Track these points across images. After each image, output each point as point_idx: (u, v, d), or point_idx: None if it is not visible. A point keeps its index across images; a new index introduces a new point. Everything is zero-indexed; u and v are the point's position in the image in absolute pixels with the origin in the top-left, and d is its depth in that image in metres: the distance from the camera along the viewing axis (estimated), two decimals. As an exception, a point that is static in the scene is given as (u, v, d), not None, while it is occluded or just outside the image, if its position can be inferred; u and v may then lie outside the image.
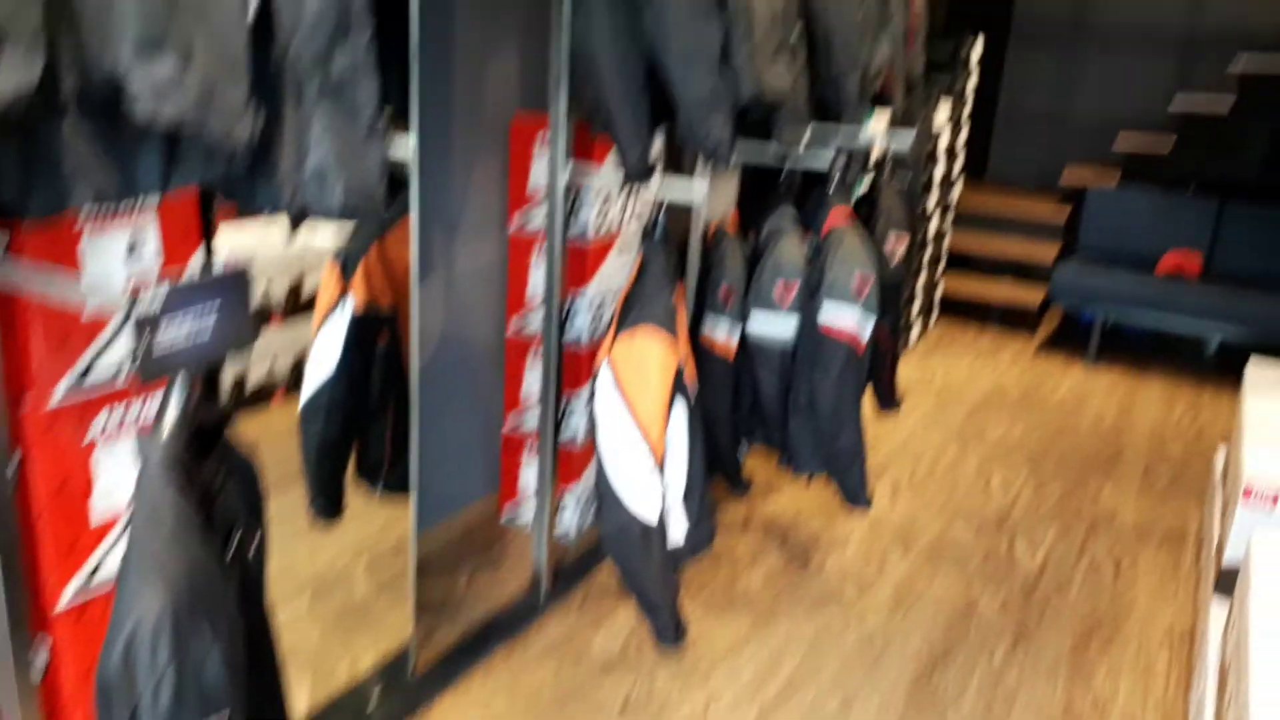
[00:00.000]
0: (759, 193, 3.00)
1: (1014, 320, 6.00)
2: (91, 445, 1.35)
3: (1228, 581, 2.28)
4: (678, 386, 2.08)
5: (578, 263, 2.67)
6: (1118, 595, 3.02)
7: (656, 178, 2.43)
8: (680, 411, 2.10)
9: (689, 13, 1.72)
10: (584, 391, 2.73)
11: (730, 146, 1.84)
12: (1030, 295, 5.78)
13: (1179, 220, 5.57)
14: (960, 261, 6.01)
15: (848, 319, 2.64)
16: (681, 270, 3.01)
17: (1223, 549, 2.29)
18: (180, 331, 0.96)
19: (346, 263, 2.30)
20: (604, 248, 2.74)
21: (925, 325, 5.70)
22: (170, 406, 1.01)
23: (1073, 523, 3.48)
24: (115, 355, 1.30)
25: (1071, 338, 5.79)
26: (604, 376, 2.00)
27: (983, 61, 5.57)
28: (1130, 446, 4.27)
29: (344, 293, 2.30)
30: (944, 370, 5.11)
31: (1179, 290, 5.17)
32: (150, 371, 0.95)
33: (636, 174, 1.91)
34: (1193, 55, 6.12)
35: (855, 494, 2.75)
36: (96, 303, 1.01)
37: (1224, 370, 5.39)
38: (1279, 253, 5.32)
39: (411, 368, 2.11)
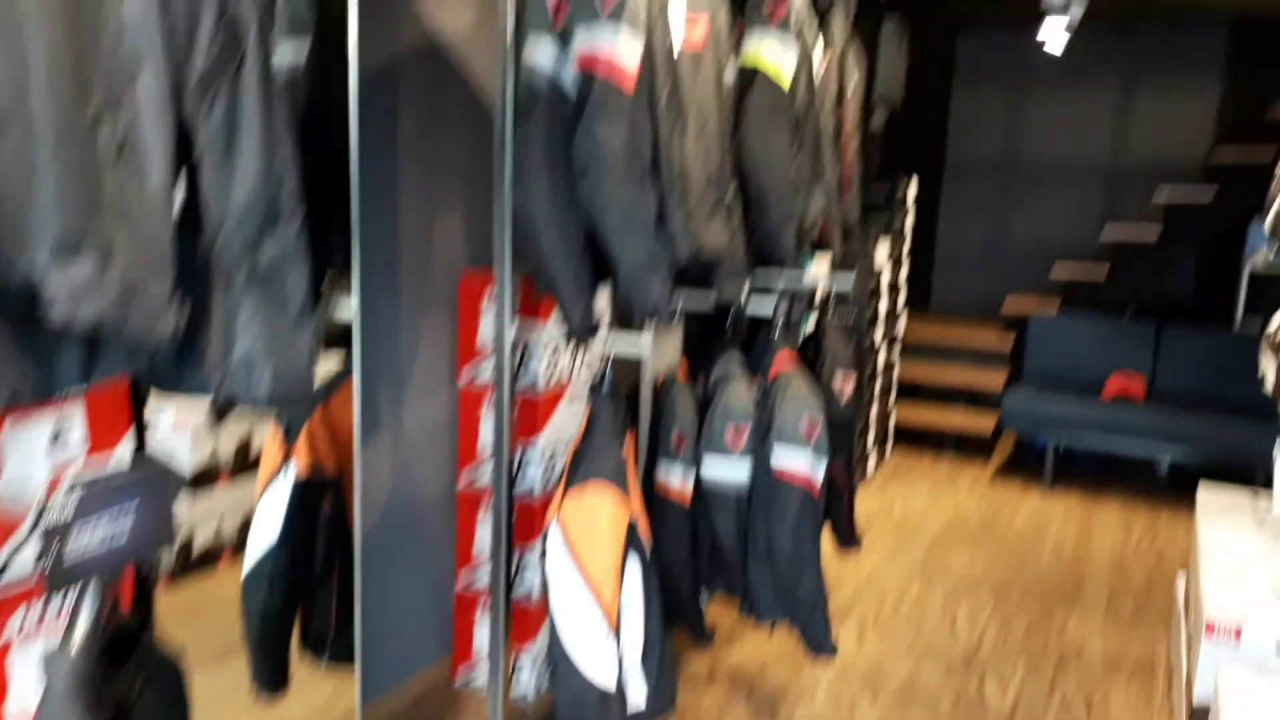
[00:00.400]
0: (706, 338, 3.02)
1: (968, 447, 6.05)
2: (6, 646, 1.27)
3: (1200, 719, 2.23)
4: (631, 543, 2.03)
5: (528, 414, 2.64)
6: (1092, 735, 2.94)
7: (603, 332, 2.43)
8: (635, 569, 2.05)
9: (623, 182, 1.75)
10: (538, 545, 2.66)
11: (668, 307, 1.86)
12: (982, 422, 5.84)
13: (1120, 344, 5.71)
14: (912, 391, 6.08)
15: (800, 463, 2.62)
16: (634, 419, 3.00)
17: (1191, 686, 2.25)
18: (94, 536, 0.91)
19: (290, 427, 2.25)
20: (555, 398, 2.72)
21: (882, 456, 5.72)
22: (81, 618, 0.96)
23: (1041, 658, 3.42)
24: (31, 551, 1.24)
25: (1026, 462, 5.83)
26: (554, 536, 1.95)
27: (920, 199, 5.78)
28: (1092, 574, 4.25)
29: (287, 458, 2.25)
30: (903, 501, 5.10)
31: (1125, 414, 5.26)
32: (59, 580, 0.89)
33: (580, 332, 1.91)
34: (1118, 187, 6.40)
35: (819, 642, 2.69)
36: (7, 505, 0.96)
37: (1177, 490, 5.44)
38: (1218, 373, 5.45)
39: (356, 534, 2.05)
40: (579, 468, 2.00)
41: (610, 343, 2.17)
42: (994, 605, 3.85)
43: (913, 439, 6.11)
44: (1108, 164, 6.47)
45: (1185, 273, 6.05)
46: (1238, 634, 2.12)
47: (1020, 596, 3.96)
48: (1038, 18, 5.26)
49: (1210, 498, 3.18)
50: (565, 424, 2.75)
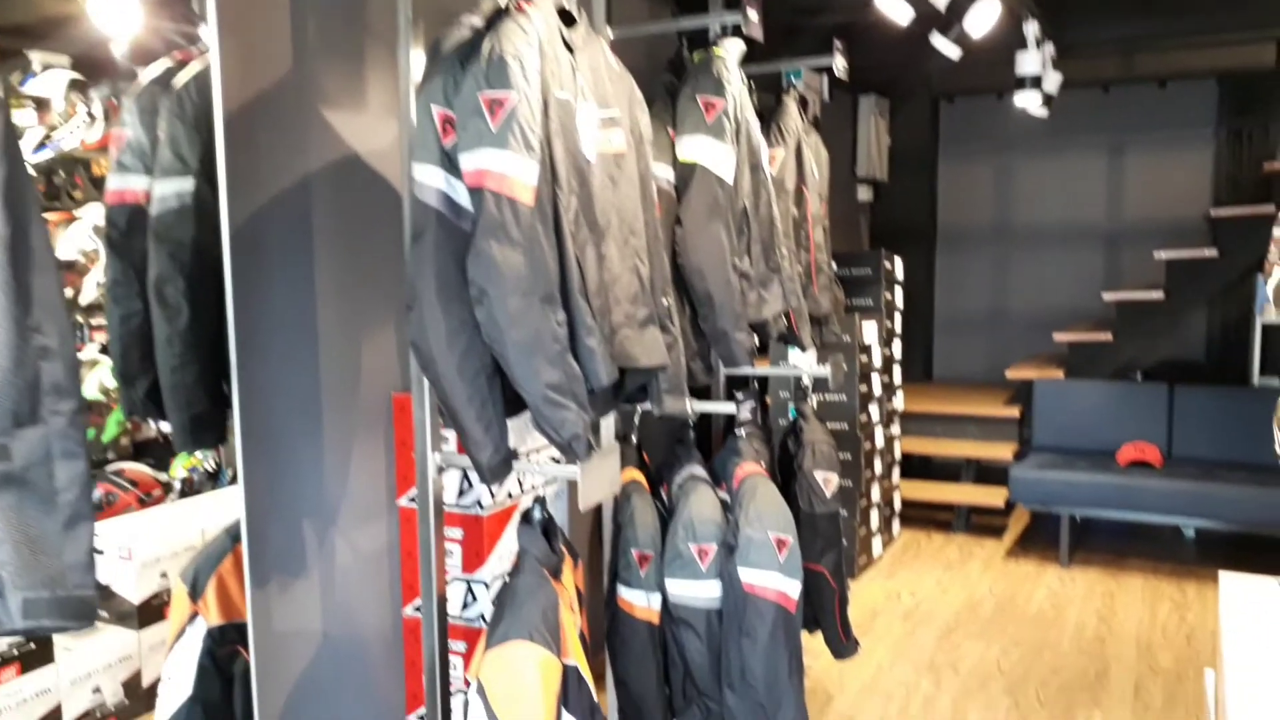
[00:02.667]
0: (669, 445, 2.84)
1: (980, 523, 5.78)
2: None
3: None
4: (568, 699, 1.83)
5: (474, 536, 2.46)
6: None
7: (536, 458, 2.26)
8: (572, 728, 1.84)
9: (524, 305, 1.59)
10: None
11: (586, 440, 1.68)
12: (993, 496, 5.58)
13: (1131, 408, 5.47)
14: (920, 466, 5.85)
15: (770, 579, 2.42)
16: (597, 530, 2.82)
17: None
18: None
19: (196, 580, 2.09)
20: (504, 517, 2.54)
21: (889, 536, 5.46)
22: None
23: (1060, 768, 3.14)
24: None
25: (1042, 536, 5.55)
26: (474, 701, 1.75)
27: (915, 269, 5.62)
28: (1117, 660, 3.97)
29: (195, 613, 2.08)
30: (911, 586, 4.84)
31: (1142, 483, 5.00)
32: None
33: (489, 476, 1.74)
34: (1117, 248, 6.23)
35: (802, 778, 2.45)
36: None
37: (1204, 559, 5.14)
38: (1237, 433, 5.19)
39: (253, 685, 1.87)
40: (500, 620, 1.81)
41: (535, 472, 2.00)
42: (1010, 705, 3.58)
43: (922, 517, 5.85)
44: (1105, 226, 6.32)
45: (1195, 331, 5.84)
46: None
47: (1038, 692, 3.68)
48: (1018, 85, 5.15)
49: (1233, 588, 2.92)
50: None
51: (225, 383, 1.98)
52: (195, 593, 2.04)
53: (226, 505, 2.15)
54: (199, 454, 2.41)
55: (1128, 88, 6.21)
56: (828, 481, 3.07)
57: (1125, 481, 5.02)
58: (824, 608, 3.10)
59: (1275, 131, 5.67)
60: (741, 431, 2.67)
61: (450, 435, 2.23)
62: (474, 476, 2.39)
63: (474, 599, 2.49)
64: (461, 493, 2.45)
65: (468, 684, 2.19)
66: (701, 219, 2.31)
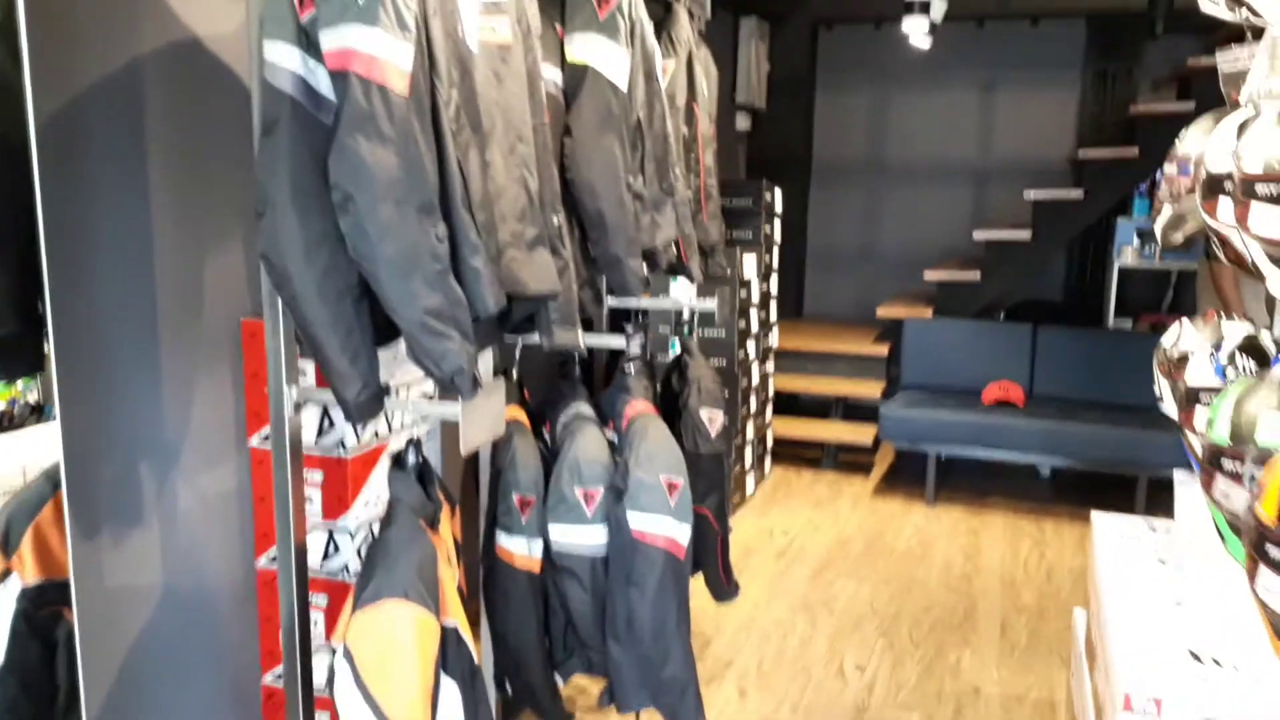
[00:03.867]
0: (553, 380, 2.64)
1: (848, 461, 5.82)
2: None
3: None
4: (445, 664, 1.63)
5: (335, 482, 2.21)
6: (994, 798, 2.68)
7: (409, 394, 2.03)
8: (451, 696, 1.65)
9: (397, 215, 1.34)
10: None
11: (471, 375, 1.46)
12: (862, 434, 5.61)
13: (997, 348, 5.57)
14: (790, 403, 5.82)
15: (660, 526, 2.27)
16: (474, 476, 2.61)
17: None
18: None
19: (8, 531, 1.78)
20: (371, 459, 2.30)
21: (761, 473, 5.43)
22: None
23: (933, 707, 3.15)
24: None
25: (907, 473, 5.63)
26: (341, 668, 1.54)
27: (788, 204, 5.53)
28: (983, 597, 4.04)
29: (6, 570, 1.77)
30: (783, 524, 4.81)
31: (1005, 421, 5.10)
32: None
33: (356, 414, 1.50)
34: (986, 188, 6.29)
35: (690, 731, 2.34)
36: None
37: (1061, 497, 5.31)
38: (1093, 376, 5.35)
39: (77, 647, 1.61)
40: (370, 576, 1.59)
41: (412, 409, 1.77)
42: (883, 646, 3.58)
43: (791, 454, 5.84)
44: (976, 163, 6.36)
45: (1055, 272, 5.97)
46: (1158, 707, 1.86)
47: (910, 631, 3.70)
48: (898, 15, 5.06)
49: (1105, 529, 2.96)
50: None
51: (41, 302, 1.66)
52: (8, 547, 1.73)
53: (52, 443, 1.85)
54: (19, 384, 2.07)
55: (1001, 24, 6.21)
56: (713, 420, 2.94)
57: (990, 420, 5.11)
58: (707, 550, 2.98)
59: (1139, 74, 5.78)
60: (630, 367, 2.49)
61: (309, 367, 1.97)
62: (337, 414, 2.13)
63: (336, 549, 2.25)
64: (322, 432, 2.19)
65: (331, 644, 1.98)
66: (593, 129, 2.08)
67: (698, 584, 3.07)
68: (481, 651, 2.50)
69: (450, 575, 1.78)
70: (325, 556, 2.25)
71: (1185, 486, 2.64)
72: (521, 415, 2.44)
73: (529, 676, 2.45)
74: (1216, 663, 2.03)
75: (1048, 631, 3.68)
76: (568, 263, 1.90)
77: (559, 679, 2.53)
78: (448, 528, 1.89)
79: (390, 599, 1.54)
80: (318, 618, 2.26)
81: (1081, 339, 5.48)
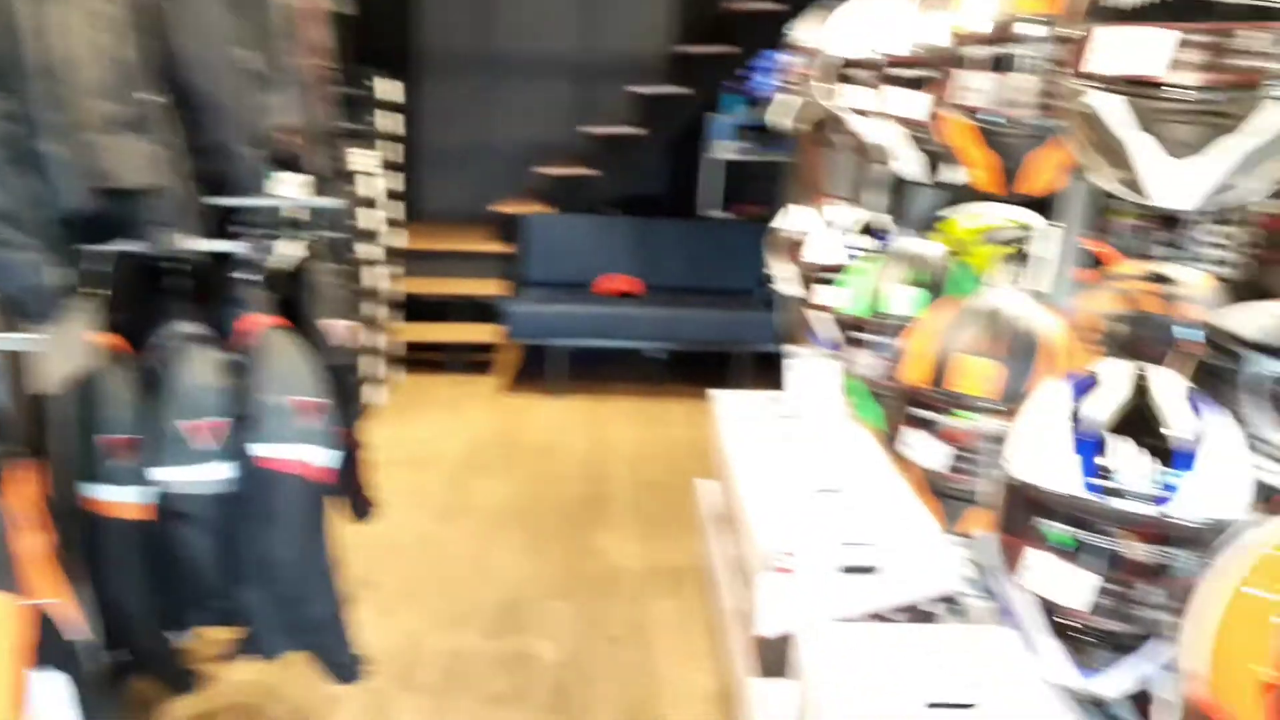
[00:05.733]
0: (148, 295, 2.24)
1: (476, 361, 5.72)
2: None
3: (765, 656, 2.10)
4: (41, 651, 1.32)
5: None
6: (647, 670, 2.79)
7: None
8: (52, 688, 1.34)
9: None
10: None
11: (50, 291, 1.14)
12: (488, 334, 5.54)
13: (611, 241, 5.72)
14: (415, 308, 5.57)
15: (294, 453, 2.02)
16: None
17: (753, 621, 2.11)
18: None
19: None
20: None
21: (390, 383, 5.19)
22: None
23: (581, 591, 3.21)
24: None
25: (534, 370, 5.64)
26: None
27: (398, 97, 5.19)
28: (615, 479, 4.18)
29: None
30: (416, 432, 4.65)
31: (625, 312, 5.28)
32: None
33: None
34: (592, 83, 6.31)
35: (344, 668, 2.16)
36: None
37: (678, 376, 5.54)
38: (696, 263, 5.67)
39: None
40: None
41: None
42: (526, 539, 3.59)
43: (417, 359, 5.61)
44: (581, 59, 6.36)
45: (661, 166, 6.19)
46: (792, 568, 1.99)
47: (551, 521, 3.75)
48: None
49: (725, 404, 3.12)
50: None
51: None
52: None
53: None
54: None
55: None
56: (340, 329, 2.68)
57: (611, 311, 5.26)
58: (344, 469, 2.76)
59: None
60: (247, 275, 2.16)
61: None
62: None
63: None
64: None
65: None
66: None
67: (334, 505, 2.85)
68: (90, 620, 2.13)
69: (35, 543, 1.44)
70: None
71: (796, 359, 2.83)
72: (113, 340, 2.04)
73: (142, 640, 2.12)
74: (849, 514, 2.21)
75: (677, 502, 3.85)
76: (170, 151, 1.56)
77: (182, 636, 2.22)
78: (23, 486, 1.53)
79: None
80: None
81: (683, 230, 5.78)
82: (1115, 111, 1.01)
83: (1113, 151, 1.03)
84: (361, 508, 2.91)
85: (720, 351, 5.30)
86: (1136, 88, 0.98)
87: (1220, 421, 1.12)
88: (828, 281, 2.33)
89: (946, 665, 1.50)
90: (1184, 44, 0.94)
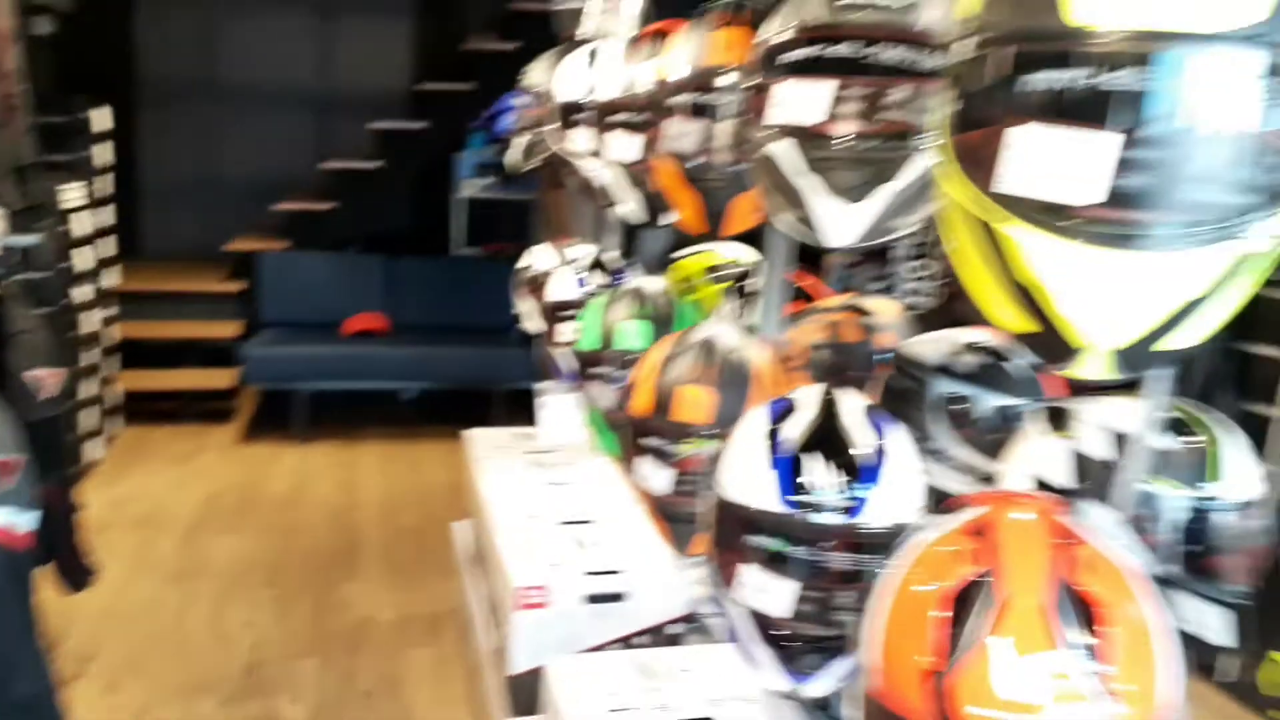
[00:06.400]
0: None
1: (209, 409, 5.35)
2: None
3: (519, 694, 2.10)
4: None
5: None
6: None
7: None
8: None
9: None
10: None
11: None
12: (222, 379, 5.23)
13: (354, 280, 5.59)
14: (138, 352, 5.16)
15: (-14, 519, 1.83)
16: None
17: (506, 657, 2.10)
18: None
19: None
20: None
21: (109, 436, 4.78)
22: None
23: (332, 646, 3.09)
24: None
25: (276, 417, 5.36)
26: None
27: (116, 127, 4.84)
28: (365, 527, 4.06)
29: None
30: (142, 490, 4.31)
31: (371, 351, 5.16)
32: None
33: None
34: (331, 117, 6.16)
35: (54, 753, 1.96)
36: None
37: (433, 418, 5.39)
38: (448, 301, 5.62)
39: None
40: None
41: None
42: (271, 597, 3.41)
43: (143, 410, 5.18)
44: (318, 93, 6.19)
45: (405, 203, 6.10)
46: (545, 601, 2.01)
47: (298, 576, 3.58)
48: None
49: (479, 445, 3.09)
50: None
51: None
52: None
53: None
54: None
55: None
56: (44, 380, 2.46)
57: (356, 351, 5.13)
58: (56, 533, 2.51)
59: (472, 10, 6.02)
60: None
61: None
62: None
63: None
64: None
65: None
66: None
67: (45, 575, 2.60)
68: None
69: None
70: None
71: (546, 395, 2.87)
72: None
73: None
74: (595, 544, 2.25)
75: (431, 548, 3.80)
76: None
77: None
78: None
79: None
80: None
81: (433, 267, 5.73)
82: (789, 158, 1.12)
83: (789, 194, 1.14)
84: (79, 576, 2.66)
85: (478, 390, 5.26)
86: (806, 137, 1.09)
87: (898, 436, 1.25)
88: (567, 318, 2.38)
89: (687, 684, 1.56)
90: (841, 98, 1.05)
